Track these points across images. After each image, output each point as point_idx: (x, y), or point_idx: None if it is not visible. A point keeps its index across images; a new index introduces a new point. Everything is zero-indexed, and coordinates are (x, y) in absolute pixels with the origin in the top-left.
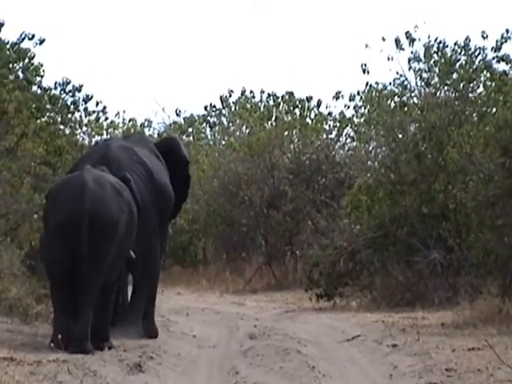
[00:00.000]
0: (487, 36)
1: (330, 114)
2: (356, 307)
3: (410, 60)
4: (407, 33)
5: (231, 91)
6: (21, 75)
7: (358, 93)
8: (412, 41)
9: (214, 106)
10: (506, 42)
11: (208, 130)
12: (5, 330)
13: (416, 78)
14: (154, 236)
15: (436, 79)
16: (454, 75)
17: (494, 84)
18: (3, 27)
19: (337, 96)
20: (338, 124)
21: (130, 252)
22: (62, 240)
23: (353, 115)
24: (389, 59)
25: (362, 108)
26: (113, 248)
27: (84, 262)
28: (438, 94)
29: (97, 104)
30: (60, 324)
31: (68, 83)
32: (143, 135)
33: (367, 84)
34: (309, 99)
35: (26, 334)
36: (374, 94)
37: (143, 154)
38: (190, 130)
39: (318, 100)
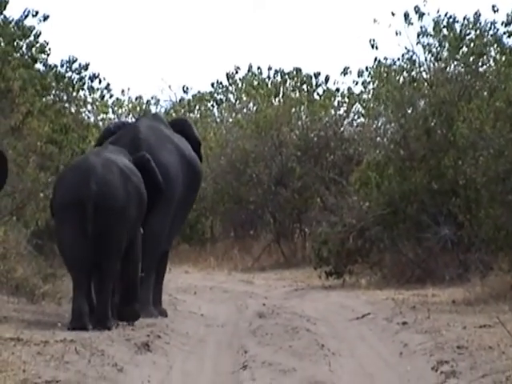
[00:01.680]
0: (498, 10)
1: (338, 89)
2: (365, 285)
3: (418, 35)
4: (416, 7)
5: (238, 68)
6: (25, 52)
7: (367, 68)
8: (421, 15)
9: (221, 83)
10: None
11: (215, 107)
12: (11, 309)
13: (425, 53)
14: (184, 211)
15: (445, 54)
16: (464, 50)
17: (504, 58)
18: (8, 5)
19: (345, 72)
20: (347, 100)
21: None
22: (67, 221)
23: (361, 91)
24: (397, 34)
25: (371, 84)
26: (120, 231)
27: (90, 244)
28: (447, 68)
29: (100, 81)
30: (76, 303)
31: (74, 61)
32: (157, 114)
33: (376, 59)
34: (316, 75)
35: (33, 313)
36: (382, 69)
37: (169, 132)
38: (197, 107)
39: (326, 76)
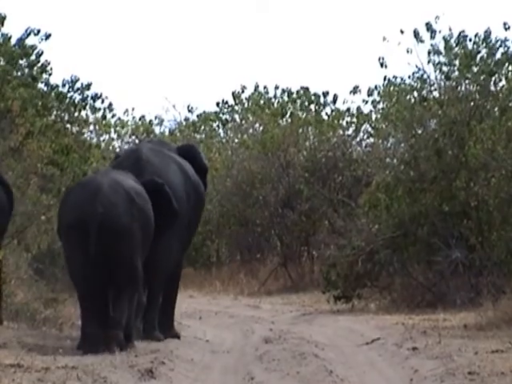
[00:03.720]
0: (509, 27)
1: (348, 109)
2: (375, 309)
3: (429, 53)
4: (427, 24)
5: (244, 87)
6: (26, 72)
7: (376, 87)
8: (433, 32)
9: (227, 103)
10: None
11: (221, 127)
12: (11, 335)
13: (435, 72)
14: (188, 233)
15: (456, 73)
16: (475, 68)
17: None
18: (5, 20)
19: (354, 91)
20: (356, 120)
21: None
22: (72, 241)
23: (371, 111)
24: (408, 51)
25: (381, 103)
26: (125, 253)
27: (93, 265)
28: (458, 87)
29: (102, 101)
30: (86, 325)
31: (76, 81)
32: (162, 140)
33: (385, 78)
34: (325, 94)
35: (34, 339)
36: (392, 88)
37: (173, 155)
38: (203, 127)
39: (335, 95)
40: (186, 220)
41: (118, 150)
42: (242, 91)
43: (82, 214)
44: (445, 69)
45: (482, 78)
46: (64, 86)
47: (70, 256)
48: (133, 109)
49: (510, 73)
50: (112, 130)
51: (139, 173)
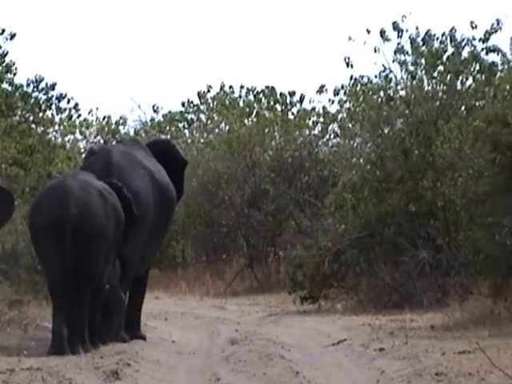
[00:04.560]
0: (476, 26)
1: (313, 109)
2: (342, 310)
3: (395, 52)
4: (394, 23)
5: (210, 87)
6: None
7: (343, 87)
8: (399, 32)
9: (192, 102)
10: (495, 32)
11: (186, 127)
12: None
13: (402, 71)
14: (156, 238)
15: (423, 72)
16: (441, 67)
17: (483, 76)
18: None
19: (320, 90)
20: (322, 120)
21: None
22: (46, 245)
23: (337, 110)
24: (375, 50)
25: (347, 103)
26: (99, 253)
27: (70, 267)
28: (424, 87)
29: (68, 101)
30: (57, 330)
31: (41, 81)
32: (136, 139)
33: (352, 78)
34: (291, 94)
35: None
36: (358, 88)
37: (142, 157)
38: (168, 128)
39: (301, 95)
40: (154, 224)
41: (83, 148)
42: (208, 91)
43: (56, 216)
44: (411, 68)
45: (448, 77)
46: (28, 85)
47: (45, 258)
48: (97, 109)
49: (476, 72)
50: (77, 130)
51: (108, 176)
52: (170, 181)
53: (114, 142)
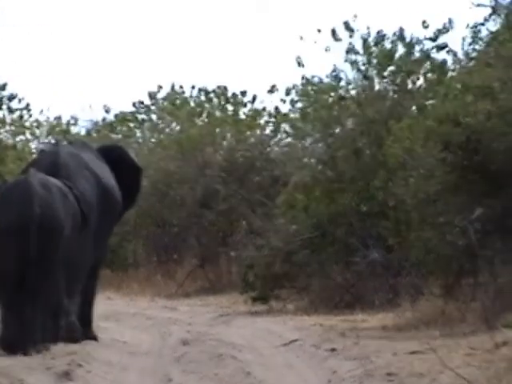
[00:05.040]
0: (428, 26)
1: (264, 108)
2: (293, 310)
3: (347, 52)
4: (346, 23)
5: (160, 87)
6: None
7: (294, 86)
8: (351, 31)
9: (143, 103)
10: (447, 32)
11: (138, 127)
12: None
13: (353, 71)
14: (98, 240)
15: (374, 72)
16: (393, 67)
17: (434, 75)
18: None
19: (272, 90)
20: (274, 119)
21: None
22: (10, 245)
23: (289, 110)
24: (326, 50)
25: (299, 102)
26: (59, 252)
27: (32, 266)
28: (375, 86)
29: (19, 101)
30: (9, 330)
31: None
32: (85, 142)
33: (303, 77)
34: (243, 93)
35: None
36: (310, 87)
37: (90, 160)
38: (119, 127)
39: (254, 95)
40: (98, 226)
41: (34, 149)
42: (158, 91)
43: (20, 216)
44: (362, 68)
45: (399, 76)
46: None
47: (2, 257)
48: (48, 109)
49: (427, 71)
50: (27, 130)
51: (53, 175)
52: (115, 184)
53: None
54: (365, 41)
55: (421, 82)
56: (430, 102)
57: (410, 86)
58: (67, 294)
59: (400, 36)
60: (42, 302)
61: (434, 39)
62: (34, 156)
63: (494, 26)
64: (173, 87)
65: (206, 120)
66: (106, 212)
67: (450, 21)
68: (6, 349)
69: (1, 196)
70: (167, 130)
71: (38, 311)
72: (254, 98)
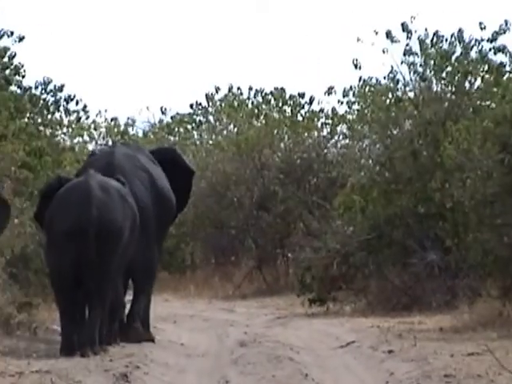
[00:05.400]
0: (485, 27)
1: (321, 110)
2: (350, 312)
3: (404, 53)
4: (403, 24)
5: (218, 88)
6: None
7: (351, 88)
8: (409, 33)
9: (200, 104)
10: (504, 33)
11: (195, 128)
12: None
13: (410, 73)
14: (154, 242)
15: (431, 73)
16: (450, 68)
17: (491, 77)
18: None
19: (329, 91)
20: (331, 121)
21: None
22: (68, 247)
23: (346, 111)
24: (384, 52)
25: (356, 104)
26: (118, 254)
27: (91, 269)
28: (433, 88)
29: (77, 103)
30: (67, 332)
31: (49, 83)
32: (139, 144)
33: (360, 79)
34: (301, 95)
35: (7, 344)
36: (367, 89)
37: (145, 161)
38: (176, 129)
39: (311, 96)
40: (153, 229)
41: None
42: (216, 92)
43: (79, 219)
44: (420, 69)
45: (456, 78)
46: (37, 88)
47: (60, 259)
48: (106, 110)
49: (484, 72)
50: (85, 132)
51: (109, 176)
52: (169, 188)
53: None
54: (422, 42)
55: (478, 83)
56: (487, 103)
57: (467, 87)
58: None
59: (459, 37)
60: (99, 304)
61: (491, 40)
62: (87, 158)
63: None
64: (230, 89)
65: (263, 122)
66: (161, 214)
67: (506, 22)
68: (64, 351)
69: (60, 197)
70: (225, 131)
71: (95, 313)
72: (312, 100)
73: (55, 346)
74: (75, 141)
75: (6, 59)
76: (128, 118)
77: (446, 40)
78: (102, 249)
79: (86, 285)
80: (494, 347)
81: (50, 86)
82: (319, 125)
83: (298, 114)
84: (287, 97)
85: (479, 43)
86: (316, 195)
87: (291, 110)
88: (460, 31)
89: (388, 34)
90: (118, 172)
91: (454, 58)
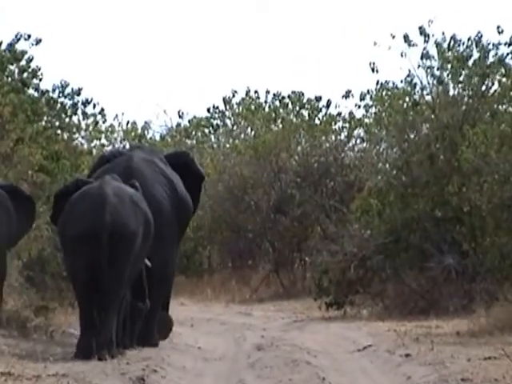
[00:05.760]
0: (502, 31)
1: (339, 114)
2: (367, 316)
3: (422, 57)
4: (421, 28)
5: (235, 92)
6: (16, 77)
7: (369, 92)
8: (426, 36)
9: (217, 108)
10: None
11: (212, 132)
12: (2, 343)
13: (427, 76)
14: (172, 246)
15: (448, 76)
16: (467, 72)
17: (509, 81)
18: None
19: (346, 95)
20: (348, 125)
21: (144, 262)
22: (81, 252)
23: (363, 115)
24: (402, 55)
25: (373, 108)
26: (131, 259)
27: (104, 274)
28: (450, 92)
29: (94, 106)
30: (85, 334)
31: (66, 86)
32: (154, 147)
33: (377, 82)
34: (318, 99)
35: (24, 347)
36: (384, 93)
37: (163, 166)
38: (194, 133)
39: (328, 100)
40: (173, 228)
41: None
42: (233, 96)
43: (92, 223)
44: (437, 73)
45: (474, 81)
46: (54, 91)
47: (76, 263)
48: (123, 114)
49: (502, 76)
50: (103, 135)
51: (127, 180)
52: (187, 192)
53: (127, 146)
54: (439, 46)
55: (495, 86)
56: (505, 107)
57: (484, 91)
58: (144, 299)
59: (476, 41)
60: (113, 306)
61: (509, 44)
62: (98, 160)
63: None
64: (247, 92)
65: (280, 125)
66: (180, 218)
67: None
68: (81, 354)
69: (74, 202)
70: (242, 135)
71: (109, 316)
72: (329, 104)
73: (72, 349)
74: (92, 144)
75: (23, 62)
76: (145, 122)
77: (463, 44)
78: (115, 252)
79: (101, 289)
80: (511, 351)
81: (68, 90)
82: (336, 128)
83: (316, 118)
84: (305, 100)
85: (497, 47)
86: (333, 199)
87: (308, 114)
88: (478, 35)
89: (406, 38)
90: (138, 176)
91: (471, 61)
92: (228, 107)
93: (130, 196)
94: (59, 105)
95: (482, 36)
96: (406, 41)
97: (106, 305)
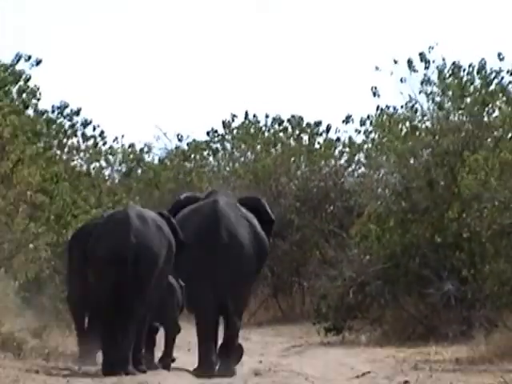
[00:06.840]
0: (503, 58)
1: (338, 139)
2: (366, 341)
3: (422, 83)
4: (421, 54)
5: (234, 116)
6: (15, 97)
7: (369, 117)
8: (427, 62)
9: (216, 131)
10: None
11: (211, 156)
12: None
13: (428, 102)
14: (251, 285)
15: (449, 103)
16: (468, 99)
17: (510, 108)
18: None
19: (347, 120)
20: (348, 150)
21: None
22: (107, 273)
23: (363, 140)
24: (402, 81)
25: (373, 133)
26: (153, 278)
27: (128, 295)
28: (450, 118)
29: (94, 128)
30: (108, 354)
31: (66, 107)
32: (228, 192)
33: (378, 108)
34: (318, 124)
35: (20, 369)
36: (384, 118)
37: (244, 210)
38: (193, 156)
39: (328, 125)
40: (252, 271)
41: (108, 176)
42: (233, 120)
43: (118, 247)
44: (437, 99)
45: (475, 108)
46: (53, 111)
47: (101, 283)
48: (122, 136)
49: (503, 104)
50: (102, 157)
51: (214, 224)
52: (265, 235)
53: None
54: (440, 72)
55: (496, 113)
56: (506, 134)
57: (485, 118)
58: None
59: (481, 67)
60: (134, 327)
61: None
62: (176, 203)
63: None
64: (246, 116)
65: (280, 149)
66: (259, 260)
67: None
68: (104, 370)
69: (102, 226)
70: (242, 159)
71: (130, 336)
72: (329, 128)
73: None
74: (92, 166)
75: (21, 82)
76: (145, 145)
77: (464, 70)
78: (139, 273)
79: (124, 309)
80: (511, 379)
81: (67, 111)
82: (336, 153)
83: (315, 143)
84: (304, 125)
85: (499, 74)
86: (332, 224)
87: (308, 138)
88: (483, 62)
89: (409, 63)
90: (224, 220)
91: (472, 88)
92: (227, 131)
93: (153, 220)
94: (57, 125)
95: (485, 63)
96: (409, 67)
97: (126, 323)
